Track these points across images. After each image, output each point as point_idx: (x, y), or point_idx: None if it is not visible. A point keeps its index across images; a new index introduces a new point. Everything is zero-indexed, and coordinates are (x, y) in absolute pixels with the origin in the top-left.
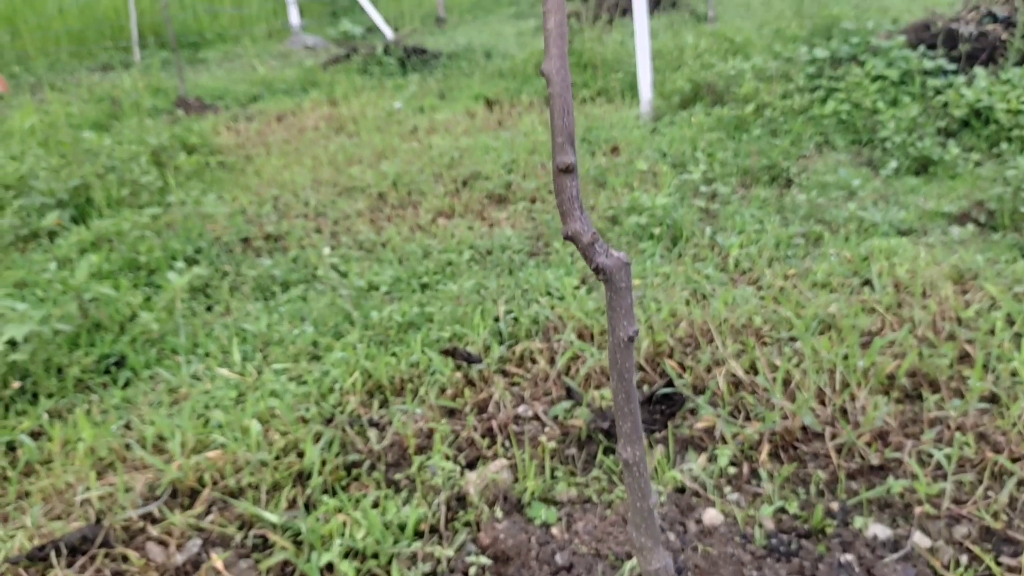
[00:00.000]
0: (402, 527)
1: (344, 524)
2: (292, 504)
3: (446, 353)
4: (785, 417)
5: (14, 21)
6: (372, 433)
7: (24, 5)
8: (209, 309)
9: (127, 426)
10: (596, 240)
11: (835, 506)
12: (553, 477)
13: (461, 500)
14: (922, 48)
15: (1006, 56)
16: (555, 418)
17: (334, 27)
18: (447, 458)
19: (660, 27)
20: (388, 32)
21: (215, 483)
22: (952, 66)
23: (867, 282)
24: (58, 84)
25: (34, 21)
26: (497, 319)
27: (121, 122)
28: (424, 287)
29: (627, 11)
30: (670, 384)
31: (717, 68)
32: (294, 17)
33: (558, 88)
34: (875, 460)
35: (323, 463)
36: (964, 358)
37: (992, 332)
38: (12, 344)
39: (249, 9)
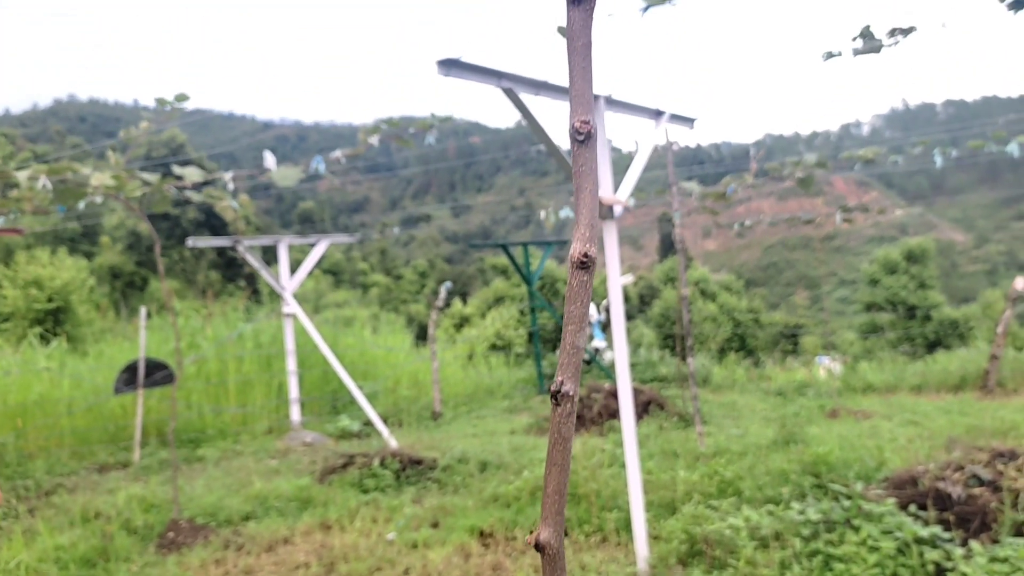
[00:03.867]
0: None
1: None
2: None
3: None
4: None
5: (25, 422)
6: None
7: (35, 406)
8: None
9: None
10: None
11: None
12: None
13: None
14: (913, 508)
15: (1000, 523)
16: None
17: (333, 423)
18: None
19: (650, 432)
20: (384, 430)
21: None
22: (946, 534)
23: None
24: (54, 495)
25: (41, 421)
26: None
27: (109, 562)
28: None
29: (615, 414)
30: None
31: (713, 524)
32: (295, 414)
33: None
34: None
35: None
36: None
37: None
38: None
39: (252, 406)
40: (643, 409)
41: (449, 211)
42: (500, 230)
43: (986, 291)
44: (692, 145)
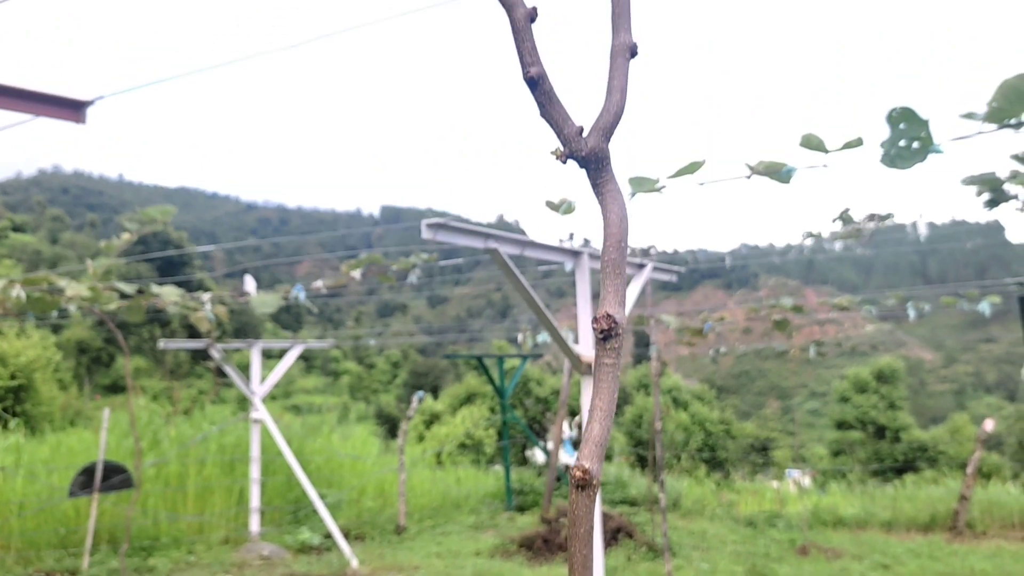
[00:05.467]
0: None
1: None
2: None
3: None
4: None
5: None
6: None
7: None
8: None
9: None
10: None
11: None
12: None
13: None
14: None
15: None
16: None
17: (293, 535)
18: None
19: (618, 565)
20: (345, 548)
21: None
22: None
23: None
24: None
25: None
26: None
27: None
28: None
29: None
30: None
31: None
32: (254, 524)
33: None
34: None
35: None
36: None
37: None
38: None
39: (211, 514)
40: (612, 536)
41: (425, 301)
42: (476, 323)
43: (955, 414)
44: (669, 251)
